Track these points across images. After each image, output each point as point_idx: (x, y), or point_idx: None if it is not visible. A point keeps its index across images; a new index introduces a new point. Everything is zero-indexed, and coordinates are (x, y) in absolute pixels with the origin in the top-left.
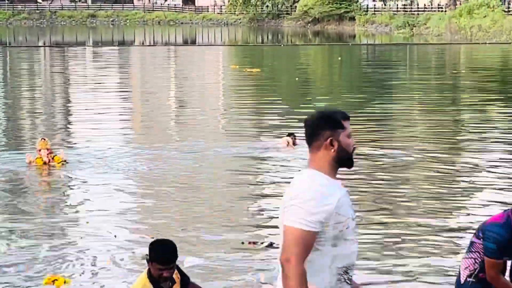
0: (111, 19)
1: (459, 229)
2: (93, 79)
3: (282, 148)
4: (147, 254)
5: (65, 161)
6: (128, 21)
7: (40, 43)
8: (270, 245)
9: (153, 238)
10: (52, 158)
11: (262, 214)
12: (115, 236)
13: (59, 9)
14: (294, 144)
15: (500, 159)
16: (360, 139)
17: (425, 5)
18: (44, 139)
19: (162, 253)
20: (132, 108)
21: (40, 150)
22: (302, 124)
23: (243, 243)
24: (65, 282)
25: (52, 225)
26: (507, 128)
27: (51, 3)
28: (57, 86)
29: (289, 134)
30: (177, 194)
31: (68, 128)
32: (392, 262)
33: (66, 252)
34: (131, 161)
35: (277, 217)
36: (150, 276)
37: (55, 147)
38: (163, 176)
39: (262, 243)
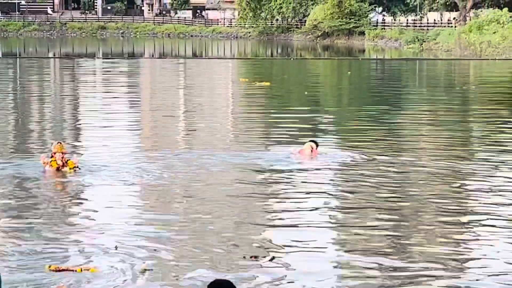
0: (121, 31)
1: (464, 236)
2: (102, 90)
3: (305, 154)
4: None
5: (77, 167)
6: (138, 33)
7: (50, 54)
8: (272, 259)
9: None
10: (66, 162)
11: (266, 228)
12: (115, 247)
13: (70, 21)
14: (316, 154)
15: (508, 168)
16: (370, 148)
17: (434, 20)
18: (60, 143)
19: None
20: (141, 118)
21: (55, 153)
22: (311, 137)
23: (244, 257)
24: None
25: (54, 235)
26: None
27: (61, 14)
28: (67, 96)
29: (314, 141)
30: (184, 205)
31: (79, 136)
32: (396, 266)
33: (67, 262)
34: (140, 170)
35: (281, 231)
36: None
37: (68, 154)
38: (172, 185)
39: (264, 257)
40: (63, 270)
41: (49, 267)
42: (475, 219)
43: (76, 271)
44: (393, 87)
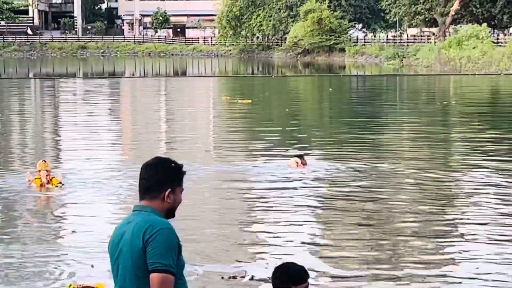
0: (102, 50)
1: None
2: (84, 109)
3: (291, 169)
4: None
5: (61, 183)
6: (118, 52)
7: (31, 75)
8: (251, 278)
9: None
10: (51, 180)
11: (245, 246)
12: (92, 266)
13: (50, 41)
14: (304, 164)
15: (486, 177)
16: (353, 160)
17: (414, 36)
18: (45, 161)
19: (294, 273)
20: (123, 135)
21: (39, 171)
22: (295, 150)
23: (223, 278)
24: None
25: (37, 251)
26: (493, 152)
27: (41, 35)
28: (48, 115)
29: (298, 156)
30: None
31: (61, 153)
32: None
33: (48, 279)
34: (122, 186)
35: (261, 249)
36: None
37: (52, 172)
38: None
39: (242, 277)
40: (86, 287)
41: (70, 285)
42: (455, 226)
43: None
44: (374, 103)
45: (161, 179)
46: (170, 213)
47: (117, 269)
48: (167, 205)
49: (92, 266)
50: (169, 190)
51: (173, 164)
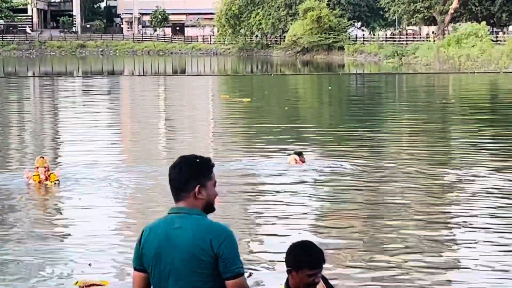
0: (101, 49)
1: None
2: (82, 107)
3: (290, 166)
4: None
5: (58, 180)
6: (117, 51)
7: (30, 73)
8: (250, 275)
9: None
10: (49, 176)
11: (244, 242)
12: (89, 264)
13: (49, 40)
14: (303, 162)
15: (485, 175)
16: (353, 158)
17: (413, 34)
18: (43, 158)
19: (314, 255)
20: (122, 132)
21: (37, 168)
22: (294, 147)
23: None
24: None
25: (35, 249)
26: (493, 150)
27: (40, 33)
28: (47, 113)
29: (297, 153)
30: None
31: (60, 150)
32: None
33: (43, 276)
34: (121, 183)
35: (259, 245)
36: None
37: (51, 168)
38: (152, 197)
39: None
40: (92, 285)
41: (77, 282)
42: (452, 222)
43: (102, 284)
44: (373, 101)
45: (187, 177)
46: (208, 208)
47: (166, 273)
48: (202, 201)
49: (90, 264)
50: (198, 186)
51: (197, 160)
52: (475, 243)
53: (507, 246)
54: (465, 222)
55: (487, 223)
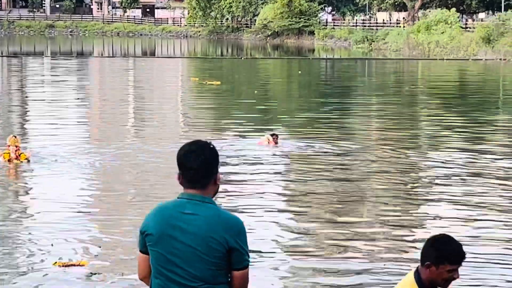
0: (70, 29)
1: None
2: (51, 87)
3: (263, 146)
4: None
5: (28, 159)
6: (87, 32)
7: None
8: None
9: (100, 247)
10: (19, 155)
11: None
12: (51, 245)
13: (17, 19)
14: (275, 143)
15: (449, 159)
16: (321, 140)
17: (383, 20)
18: (15, 137)
19: (457, 250)
20: (90, 113)
21: (9, 146)
22: (263, 130)
23: None
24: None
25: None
26: (459, 134)
27: (9, 13)
28: (15, 93)
29: (272, 134)
30: (135, 195)
31: (29, 130)
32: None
33: (8, 253)
34: (89, 162)
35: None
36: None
37: (22, 147)
38: (118, 175)
39: None
40: (71, 265)
41: (55, 263)
42: (418, 200)
43: (80, 265)
44: (342, 86)
45: (212, 164)
46: (215, 195)
47: (171, 256)
48: (218, 186)
49: (52, 245)
50: (218, 173)
51: (212, 146)
52: (440, 218)
53: (475, 222)
54: (429, 200)
55: (454, 202)
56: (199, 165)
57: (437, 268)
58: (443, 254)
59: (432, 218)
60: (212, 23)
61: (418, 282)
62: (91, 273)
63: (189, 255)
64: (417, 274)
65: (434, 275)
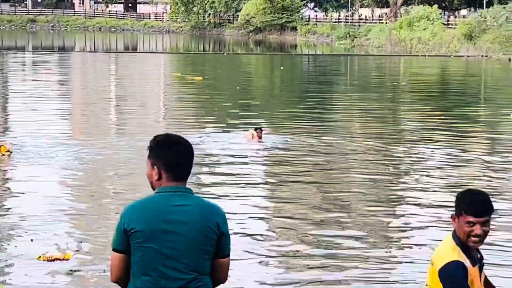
0: (52, 24)
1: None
2: (33, 82)
3: (246, 141)
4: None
5: (9, 151)
6: (68, 26)
7: None
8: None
9: (81, 242)
10: None
11: None
12: (31, 240)
13: None
14: (259, 137)
15: (432, 151)
16: (303, 135)
17: (366, 16)
18: None
19: (476, 200)
20: (72, 107)
21: None
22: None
23: None
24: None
25: None
26: (440, 128)
27: None
28: None
29: (256, 129)
30: (116, 189)
31: (10, 124)
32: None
33: None
34: (67, 158)
35: None
36: (458, 240)
37: (2, 140)
38: (99, 168)
39: None
40: (55, 259)
41: (39, 257)
42: (405, 196)
43: (65, 258)
44: (325, 81)
45: (193, 157)
46: None
47: (166, 249)
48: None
49: (32, 240)
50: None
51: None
52: (419, 204)
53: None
54: (412, 191)
55: (436, 192)
56: (189, 157)
57: (458, 220)
58: (461, 204)
59: (415, 212)
60: (195, 19)
61: (454, 237)
62: (73, 268)
63: (187, 246)
64: (454, 231)
65: (458, 229)
